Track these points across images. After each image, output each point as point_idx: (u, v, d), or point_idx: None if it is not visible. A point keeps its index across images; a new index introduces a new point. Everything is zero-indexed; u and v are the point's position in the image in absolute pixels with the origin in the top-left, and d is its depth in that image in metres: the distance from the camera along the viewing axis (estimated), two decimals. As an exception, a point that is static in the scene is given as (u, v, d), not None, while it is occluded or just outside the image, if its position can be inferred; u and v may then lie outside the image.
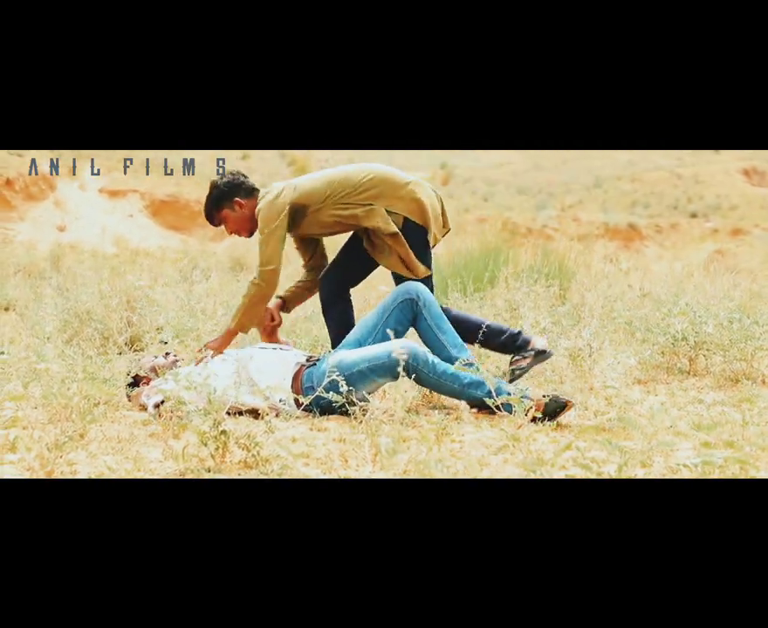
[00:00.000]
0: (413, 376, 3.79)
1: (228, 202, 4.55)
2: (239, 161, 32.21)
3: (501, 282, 7.37)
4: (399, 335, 4.07)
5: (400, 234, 4.26)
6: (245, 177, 4.62)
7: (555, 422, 3.58)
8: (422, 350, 3.85)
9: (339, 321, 4.59)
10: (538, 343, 4.32)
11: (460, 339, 4.04)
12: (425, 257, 4.36)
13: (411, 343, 3.86)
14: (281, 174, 31.67)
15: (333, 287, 4.62)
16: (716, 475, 2.40)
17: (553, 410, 3.58)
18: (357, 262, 4.61)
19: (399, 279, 4.38)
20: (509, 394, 3.53)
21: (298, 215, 4.43)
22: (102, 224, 21.91)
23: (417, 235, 4.35)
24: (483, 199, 31.67)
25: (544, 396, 3.61)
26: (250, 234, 4.63)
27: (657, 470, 2.76)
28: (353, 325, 4.51)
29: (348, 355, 3.88)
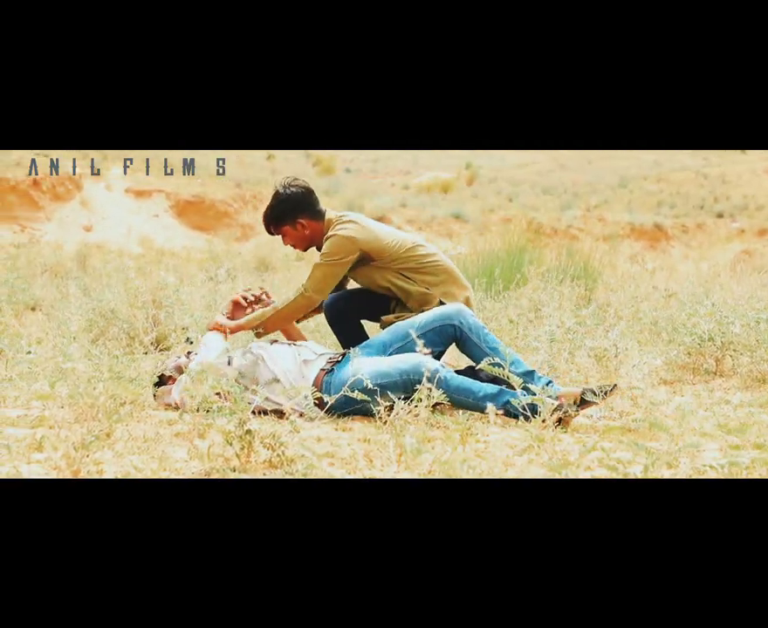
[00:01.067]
0: (459, 339, 3.88)
1: (291, 220, 4.43)
2: (264, 161, 32.31)
3: (526, 282, 7.36)
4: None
5: None
6: (311, 192, 4.49)
7: (570, 424, 3.57)
8: (434, 368, 3.78)
9: (350, 332, 4.63)
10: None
11: (501, 344, 3.99)
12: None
13: (424, 360, 3.79)
14: (306, 175, 31.70)
15: (344, 308, 4.69)
16: (742, 476, 2.39)
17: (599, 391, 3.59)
18: (376, 303, 4.61)
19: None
20: (533, 395, 3.51)
21: (360, 262, 4.37)
22: (128, 224, 22.02)
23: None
24: (508, 199, 31.57)
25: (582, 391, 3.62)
26: (306, 249, 4.58)
27: (683, 471, 2.74)
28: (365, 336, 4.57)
29: (367, 366, 3.84)
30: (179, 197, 24.29)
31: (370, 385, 3.31)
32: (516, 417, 3.47)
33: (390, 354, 4.04)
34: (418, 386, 3.13)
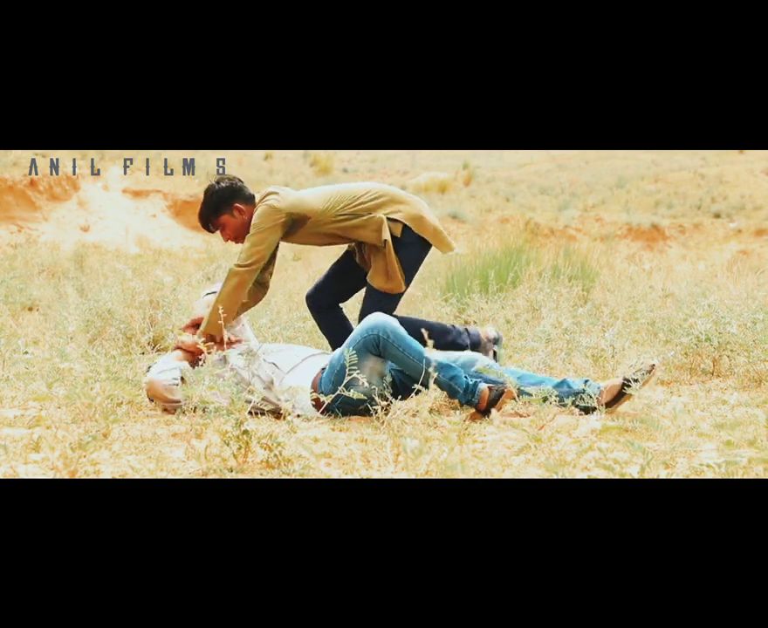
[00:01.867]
0: (381, 349, 3.76)
1: (227, 208, 4.47)
2: (262, 161, 32.27)
3: (523, 282, 7.36)
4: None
5: (390, 242, 4.31)
6: (242, 182, 4.56)
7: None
8: (394, 323, 3.79)
9: (335, 326, 4.64)
10: (490, 333, 4.42)
11: (425, 351, 3.77)
12: (409, 273, 4.44)
13: (382, 317, 3.81)
14: (304, 175, 31.69)
15: (324, 300, 4.71)
16: (739, 475, 2.39)
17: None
18: (349, 276, 4.68)
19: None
20: (528, 396, 3.51)
21: (295, 225, 4.40)
22: (125, 224, 21.99)
23: (411, 248, 4.41)
24: (506, 199, 31.53)
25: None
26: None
27: (680, 471, 2.75)
28: (349, 329, 4.53)
29: (334, 355, 3.91)
30: (176, 197, 24.26)
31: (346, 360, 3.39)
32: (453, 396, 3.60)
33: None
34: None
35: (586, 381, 3.85)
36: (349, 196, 4.41)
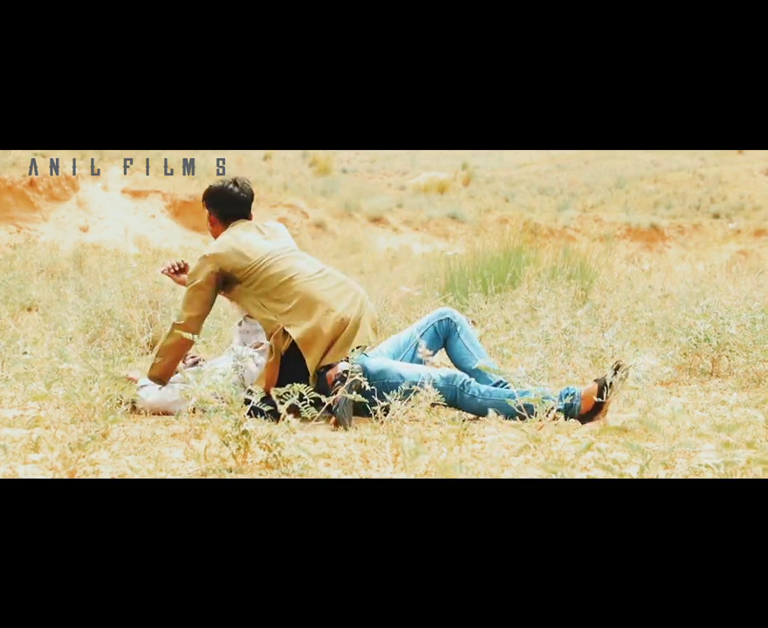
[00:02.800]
0: (453, 398, 3.85)
1: (206, 206, 4.54)
2: (261, 161, 32.27)
3: (522, 282, 7.37)
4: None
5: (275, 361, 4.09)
6: (241, 200, 4.47)
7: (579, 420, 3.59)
8: (465, 376, 3.91)
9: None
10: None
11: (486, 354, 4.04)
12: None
13: (454, 370, 3.93)
14: (303, 175, 31.69)
15: None
16: (738, 476, 2.39)
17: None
18: None
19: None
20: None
21: (229, 283, 4.27)
22: (125, 224, 21.99)
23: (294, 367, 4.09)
24: (505, 199, 31.55)
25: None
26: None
27: (680, 471, 2.75)
28: None
29: (392, 367, 3.94)
30: (176, 197, 24.26)
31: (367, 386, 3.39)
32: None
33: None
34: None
35: (567, 392, 3.79)
36: (273, 278, 4.18)
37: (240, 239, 4.29)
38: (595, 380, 3.71)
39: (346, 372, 3.62)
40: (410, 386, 3.73)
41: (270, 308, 4.12)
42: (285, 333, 4.05)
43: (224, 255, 4.19)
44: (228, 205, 4.46)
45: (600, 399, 3.64)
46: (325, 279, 4.23)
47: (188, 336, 3.69)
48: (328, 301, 4.12)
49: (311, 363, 3.98)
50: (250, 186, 4.56)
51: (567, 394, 3.72)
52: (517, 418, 3.50)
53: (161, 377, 4.12)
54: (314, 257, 4.43)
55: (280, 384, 3.69)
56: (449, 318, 4.25)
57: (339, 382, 3.66)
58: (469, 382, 3.86)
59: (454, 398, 3.84)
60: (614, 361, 3.74)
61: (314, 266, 4.29)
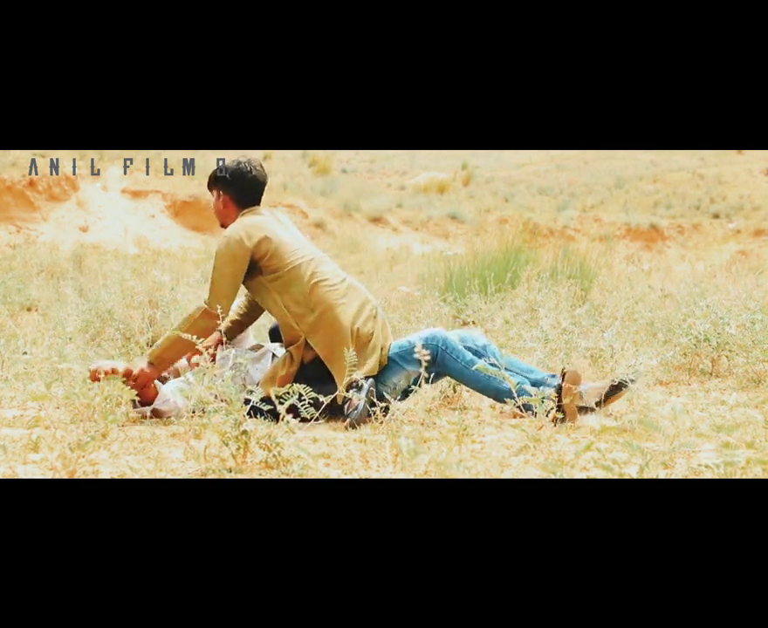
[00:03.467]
0: (438, 362, 3.82)
1: (220, 188, 4.33)
2: (260, 161, 32.18)
3: (522, 282, 7.37)
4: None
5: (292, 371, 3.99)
6: (256, 182, 4.33)
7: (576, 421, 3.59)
8: (453, 337, 3.89)
9: None
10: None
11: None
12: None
13: (442, 330, 3.91)
14: (302, 175, 31.68)
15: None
16: (738, 476, 2.39)
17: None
18: None
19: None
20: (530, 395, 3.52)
21: (251, 272, 4.10)
22: (124, 225, 21.99)
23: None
24: (505, 199, 31.52)
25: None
26: (222, 224, 4.35)
27: (679, 471, 2.75)
28: None
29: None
30: (175, 197, 24.24)
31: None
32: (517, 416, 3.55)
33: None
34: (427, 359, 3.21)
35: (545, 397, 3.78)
36: (299, 288, 4.04)
37: (266, 228, 4.12)
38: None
39: (363, 379, 3.63)
40: (398, 352, 3.75)
41: (292, 313, 4.00)
42: (308, 345, 3.97)
43: (256, 239, 4.03)
44: (247, 188, 4.30)
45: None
46: (348, 291, 4.10)
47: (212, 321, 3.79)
48: (352, 316, 4.01)
49: (339, 378, 3.84)
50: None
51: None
52: (504, 400, 3.53)
53: (165, 362, 3.93)
54: (334, 263, 4.28)
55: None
56: (436, 345, 3.96)
57: (354, 389, 3.64)
58: (453, 343, 3.85)
59: (435, 356, 3.82)
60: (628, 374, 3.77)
61: (338, 274, 4.16)
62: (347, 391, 3.61)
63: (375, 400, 3.42)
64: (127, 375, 3.73)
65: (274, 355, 4.25)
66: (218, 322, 3.82)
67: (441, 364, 3.87)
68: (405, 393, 3.82)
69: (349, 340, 3.90)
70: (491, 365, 3.74)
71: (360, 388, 3.61)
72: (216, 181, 4.34)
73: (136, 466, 2.85)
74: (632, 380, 3.72)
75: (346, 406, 3.65)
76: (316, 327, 3.96)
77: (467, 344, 4.08)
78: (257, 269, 4.05)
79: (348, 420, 3.61)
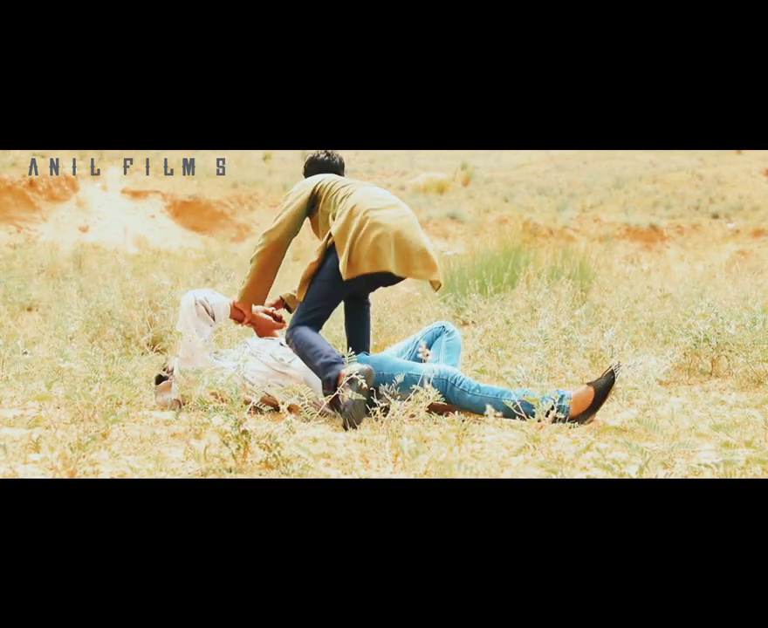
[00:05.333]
0: (447, 393, 3.86)
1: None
2: (260, 162, 32.26)
3: (522, 282, 7.37)
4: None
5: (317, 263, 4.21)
6: (321, 163, 4.77)
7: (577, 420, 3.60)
8: (456, 371, 3.93)
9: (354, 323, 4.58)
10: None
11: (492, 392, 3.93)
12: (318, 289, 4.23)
13: (449, 367, 3.95)
14: (302, 175, 31.60)
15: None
16: (737, 476, 2.40)
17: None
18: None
19: None
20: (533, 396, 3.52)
21: (313, 208, 4.45)
22: (124, 225, 21.99)
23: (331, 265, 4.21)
24: (504, 199, 31.51)
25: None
26: None
27: (679, 471, 2.75)
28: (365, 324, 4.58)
29: (389, 359, 3.98)
30: (175, 198, 24.25)
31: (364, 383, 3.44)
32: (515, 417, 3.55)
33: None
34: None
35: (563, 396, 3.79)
36: (332, 196, 4.39)
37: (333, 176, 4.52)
38: (589, 384, 3.71)
39: (357, 374, 3.62)
40: (404, 377, 3.76)
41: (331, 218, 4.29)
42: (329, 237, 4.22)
43: (312, 181, 4.47)
44: (316, 167, 4.78)
45: (592, 404, 3.66)
46: (386, 203, 4.30)
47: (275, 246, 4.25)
48: (377, 209, 4.16)
49: (342, 262, 4.01)
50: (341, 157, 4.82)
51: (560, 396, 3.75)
52: (512, 415, 3.53)
53: (258, 298, 4.40)
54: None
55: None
56: (443, 326, 4.43)
57: (348, 384, 3.65)
58: (461, 378, 3.87)
59: (444, 392, 3.85)
60: (609, 366, 3.75)
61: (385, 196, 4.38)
62: (338, 384, 3.67)
63: (375, 400, 3.42)
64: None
65: (282, 344, 4.29)
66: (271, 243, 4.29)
67: (450, 399, 3.91)
68: (402, 386, 3.81)
69: (362, 225, 4.07)
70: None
71: (351, 382, 3.61)
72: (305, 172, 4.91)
73: (136, 466, 2.85)
74: (617, 367, 3.71)
75: (340, 403, 3.66)
76: (339, 215, 4.21)
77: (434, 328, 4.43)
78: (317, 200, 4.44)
79: (344, 419, 3.61)
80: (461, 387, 3.85)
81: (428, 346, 4.32)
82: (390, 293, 8.27)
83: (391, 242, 4.00)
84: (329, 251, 4.16)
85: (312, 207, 4.41)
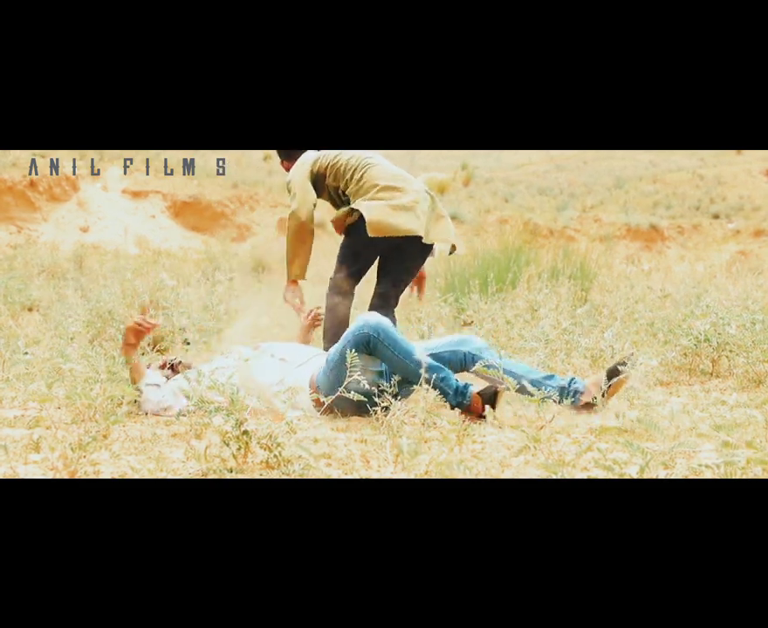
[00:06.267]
0: (372, 347, 3.77)
1: (282, 159, 5.51)
2: (260, 162, 32.24)
3: (522, 282, 7.37)
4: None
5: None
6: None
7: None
8: (388, 322, 3.83)
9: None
10: None
11: (415, 350, 3.80)
12: (353, 259, 4.79)
13: (375, 316, 3.84)
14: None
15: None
16: (738, 476, 2.40)
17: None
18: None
19: None
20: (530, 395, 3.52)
21: (319, 182, 4.92)
22: (124, 225, 21.98)
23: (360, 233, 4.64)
24: (504, 200, 31.50)
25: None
26: None
27: (679, 471, 2.75)
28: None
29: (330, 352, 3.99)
30: (176, 198, 24.25)
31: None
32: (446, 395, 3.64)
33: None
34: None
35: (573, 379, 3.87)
36: (348, 169, 4.89)
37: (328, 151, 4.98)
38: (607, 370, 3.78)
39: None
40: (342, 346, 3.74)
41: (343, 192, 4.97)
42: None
43: (312, 158, 5.00)
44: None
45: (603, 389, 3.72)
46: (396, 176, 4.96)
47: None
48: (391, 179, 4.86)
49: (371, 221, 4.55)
50: None
51: (572, 382, 3.81)
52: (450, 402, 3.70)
53: (297, 273, 4.90)
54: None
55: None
56: (368, 334, 3.79)
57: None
58: (390, 332, 3.79)
59: (371, 343, 3.79)
60: (620, 357, 3.77)
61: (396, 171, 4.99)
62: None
63: (375, 399, 3.42)
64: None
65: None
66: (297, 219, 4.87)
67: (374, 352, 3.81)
68: (405, 388, 3.79)
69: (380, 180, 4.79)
70: (488, 366, 3.75)
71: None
72: (282, 156, 5.55)
73: (137, 466, 2.85)
74: (624, 363, 3.73)
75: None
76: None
77: (462, 348, 4.09)
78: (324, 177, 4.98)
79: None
80: (386, 342, 3.78)
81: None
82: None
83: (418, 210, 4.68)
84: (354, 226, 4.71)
85: (317, 180, 4.92)
